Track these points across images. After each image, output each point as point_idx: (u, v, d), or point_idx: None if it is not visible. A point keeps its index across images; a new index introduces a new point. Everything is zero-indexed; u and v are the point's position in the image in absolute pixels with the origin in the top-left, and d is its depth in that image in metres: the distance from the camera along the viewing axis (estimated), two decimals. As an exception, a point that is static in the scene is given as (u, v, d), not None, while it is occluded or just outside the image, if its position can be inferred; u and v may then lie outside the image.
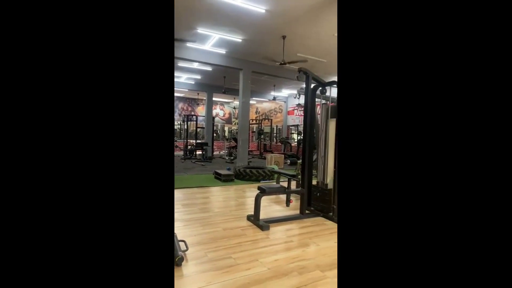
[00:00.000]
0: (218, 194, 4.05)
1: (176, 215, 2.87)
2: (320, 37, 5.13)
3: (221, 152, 11.93)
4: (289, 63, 5.64)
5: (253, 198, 2.72)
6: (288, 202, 3.02)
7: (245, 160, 6.99)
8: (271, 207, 3.35)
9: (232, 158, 8.68)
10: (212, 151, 9.93)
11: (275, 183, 4.48)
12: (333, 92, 3.10)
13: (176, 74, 8.81)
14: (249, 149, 10.14)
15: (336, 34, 4.86)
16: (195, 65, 7.57)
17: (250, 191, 4.26)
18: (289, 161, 8.14)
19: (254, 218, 2.67)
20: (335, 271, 1.74)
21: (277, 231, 2.51)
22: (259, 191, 2.74)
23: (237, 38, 5.39)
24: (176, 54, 5.95)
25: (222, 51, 6.27)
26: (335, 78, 3.21)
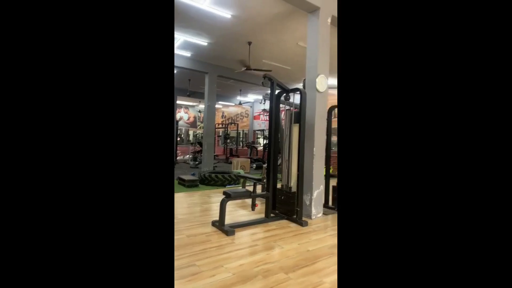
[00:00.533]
0: (182, 201, 3.93)
1: (136, 224, 2.71)
2: (284, 45, 5.31)
3: (185, 157, 11.60)
4: (254, 69, 5.73)
5: (219, 204, 2.69)
6: (253, 206, 3.04)
7: (211, 165, 6.89)
8: (236, 212, 3.34)
9: (197, 163, 8.48)
10: (176, 156, 9.61)
11: (241, 187, 4.48)
12: (296, 98, 3.22)
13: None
14: (215, 154, 10.01)
15: (299, 43, 5.07)
16: (159, 67, 7.30)
17: (216, 196, 4.20)
18: (255, 165, 8.21)
19: (219, 224, 2.64)
20: (298, 272, 1.79)
21: (242, 235, 2.51)
22: (224, 196, 2.72)
23: (202, 42, 5.33)
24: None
25: (187, 53, 6.15)
26: (299, 85, 3.34)
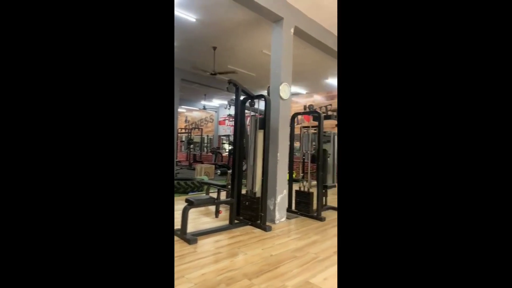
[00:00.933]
0: (141, 209, 3.70)
1: (87, 236, 2.48)
2: (249, 52, 5.38)
3: (146, 163, 11.00)
4: (219, 73, 5.71)
5: (181, 212, 2.59)
6: (217, 213, 2.99)
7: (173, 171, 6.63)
8: (199, 220, 3.25)
9: (158, 169, 8.10)
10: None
11: (204, 194, 4.38)
12: (261, 105, 3.27)
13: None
14: (177, 160, 9.66)
15: (264, 51, 5.18)
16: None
17: (178, 204, 4.04)
18: (219, 171, 8.10)
19: (181, 232, 2.53)
20: (261, 278, 1.79)
21: (205, 243, 2.44)
22: (186, 203, 2.63)
23: (165, 44, 5.17)
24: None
25: (149, 55, 5.91)
26: (264, 92, 3.40)
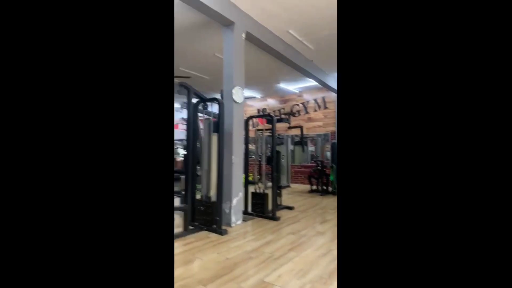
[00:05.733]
0: (84, 222, 3.37)
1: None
2: (201, 55, 5.31)
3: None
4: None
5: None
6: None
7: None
8: (151, 229, 3.08)
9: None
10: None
11: (157, 201, 4.16)
12: (214, 108, 3.25)
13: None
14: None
15: (216, 54, 5.16)
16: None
17: (127, 213, 3.77)
18: (173, 177, 7.77)
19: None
20: (217, 282, 1.78)
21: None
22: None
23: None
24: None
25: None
26: (217, 95, 3.39)
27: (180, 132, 11.96)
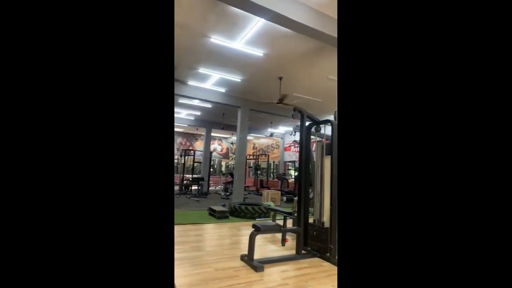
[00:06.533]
0: (212, 232, 3.92)
1: (166, 254, 2.74)
2: (314, 79, 5.42)
3: (217, 188, 11.75)
4: (284, 103, 5.88)
5: (248, 237, 2.63)
6: (283, 241, 2.92)
7: (241, 196, 6.88)
8: (266, 247, 3.23)
9: (227, 194, 8.53)
10: (208, 186, 9.80)
11: (271, 221, 4.36)
12: (327, 130, 3.19)
13: (176, 110, 9.05)
14: (246, 185, 10.01)
15: (330, 77, 5.14)
16: (196, 102, 7.83)
17: (245, 229, 4.12)
18: (285, 198, 8.01)
19: (247, 258, 2.55)
20: (332, 319, 1.63)
21: (271, 272, 2.39)
22: (253, 229, 2.66)
23: (236, 78, 5.67)
24: (177, 91, 6.19)
25: (222, 89, 6.55)
26: (330, 117, 3.32)
27: (292, 154, 12.38)
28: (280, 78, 5.49)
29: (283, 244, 2.96)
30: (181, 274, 2.22)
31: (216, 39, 4.00)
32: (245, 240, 3.21)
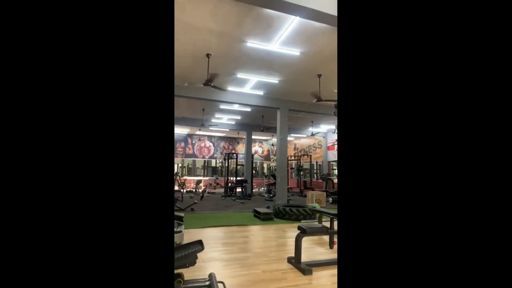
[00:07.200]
0: (258, 234, 3.96)
1: (216, 254, 2.85)
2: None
3: (260, 189, 11.86)
4: (325, 100, 5.69)
5: (294, 239, 2.60)
6: (331, 244, 2.82)
7: (285, 198, 6.83)
8: (313, 249, 3.15)
9: (271, 195, 8.55)
10: (252, 188, 9.94)
11: (317, 222, 4.25)
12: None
13: (218, 115, 9.41)
14: (289, 186, 9.92)
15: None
16: (235, 107, 8.03)
17: (291, 231, 4.08)
18: (331, 199, 7.73)
19: (295, 261, 2.52)
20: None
21: (320, 276, 2.31)
22: (299, 231, 2.62)
23: (274, 80, 5.68)
24: (217, 98, 6.43)
25: (260, 92, 6.62)
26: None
27: (336, 154, 11.90)
28: (319, 76, 5.34)
29: (331, 247, 2.86)
30: (230, 275, 2.28)
31: (253, 43, 4.06)
32: (291, 242, 3.17)
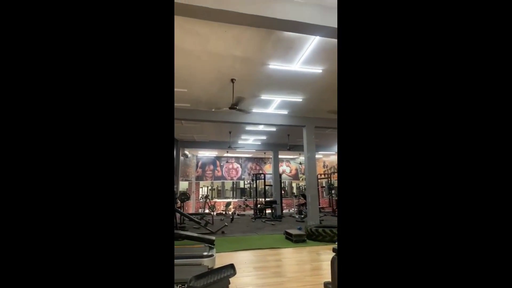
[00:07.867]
0: (291, 257, 3.81)
1: (248, 279, 2.77)
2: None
3: (291, 210, 11.55)
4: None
5: (329, 262, 2.46)
6: (371, 267, 2.61)
7: (317, 218, 6.56)
8: (351, 273, 2.94)
9: (302, 216, 8.28)
10: (282, 209, 9.73)
11: (353, 244, 3.99)
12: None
13: (244, 137, 9.56)
14: (320, 206, 9.57)
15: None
16: (261, 127, 8.13)
17: (325, 253, 3.87)
18: (367, 217, 7.28)
19: (332, 286, 2.36)
20: None
21: (362, 304, 2.13)
22: (334, 253, 2.47)
23: (297, 99, 5.71)
24: (243, 120, 6.57)
25: (285, 111, 6.66)
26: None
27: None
28: (344, 91, 5.28)
29: (371, 271, 2.65)
30: (264, 301, 2.19)
31: (275, 65, 4.16)
32: (326, 266, 3.00)
